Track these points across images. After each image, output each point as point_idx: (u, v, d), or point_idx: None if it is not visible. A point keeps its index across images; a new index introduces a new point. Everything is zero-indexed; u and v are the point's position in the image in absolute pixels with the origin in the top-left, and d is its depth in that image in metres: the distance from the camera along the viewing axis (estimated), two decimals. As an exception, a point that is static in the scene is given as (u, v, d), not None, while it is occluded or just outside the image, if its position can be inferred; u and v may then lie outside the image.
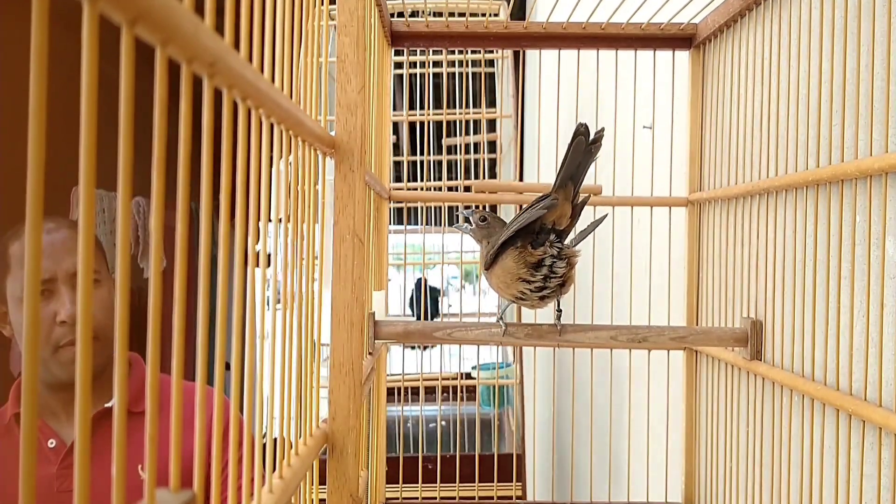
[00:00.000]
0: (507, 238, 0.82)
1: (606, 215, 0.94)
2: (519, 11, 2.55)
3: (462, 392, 2.39)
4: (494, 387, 2.63)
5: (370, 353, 0.89)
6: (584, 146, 0.76)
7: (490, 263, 0.86)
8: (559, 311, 0.90)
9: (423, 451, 1.63)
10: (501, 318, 0.92)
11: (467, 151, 2.60)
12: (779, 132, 0.82)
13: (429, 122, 2.09)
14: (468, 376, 2.93)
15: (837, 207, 0.69)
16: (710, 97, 1.04)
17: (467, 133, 2.23)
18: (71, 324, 1.01)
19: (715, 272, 1.00)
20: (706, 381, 1.02)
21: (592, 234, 0.89)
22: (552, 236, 0.81)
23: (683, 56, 1.10)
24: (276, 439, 0.50)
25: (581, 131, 0.76)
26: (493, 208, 2.00)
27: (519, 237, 0.82)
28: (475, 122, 2.79)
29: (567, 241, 0.84)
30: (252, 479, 0.43)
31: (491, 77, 2.86)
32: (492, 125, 2.75)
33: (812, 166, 0.74)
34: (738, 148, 0.93)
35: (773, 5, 0.84)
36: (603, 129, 0.78)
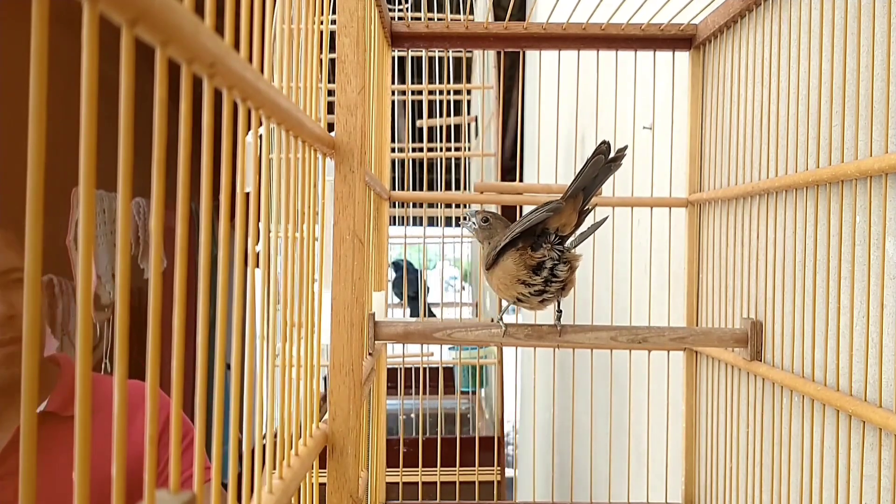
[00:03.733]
0: (509, 240, 0.82)
1: (607, 217, 0.94)
2: (519, 12, 2.55)
3: (442, 375, 2.35)
4: (475, 367, 2.59)
5: (370, 354, 0.89)
6: (602, 163, 0.77)
7: (491, 264, 0.86)
8: (559, 311, 0.90)
9: (403, 434, 1.60)
10: (501, 318, 0.92)
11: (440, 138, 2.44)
12: (779, 132, 0.82)
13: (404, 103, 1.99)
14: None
15: (837, 208, 0.69)
16: (710, 97, 1.04)
17: (439, 115, 2.13)
18: (0, 323, 0.92)
19: (715, 272, 1.00)
20: (706, 382, 1.02)
21: (592, 235, 0.89)
22: (553, 237, 0.82)
23: (683, 56, 1.10)
24: (276, 439, 0.50)
25: (602, 149, 0.77)
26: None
27: (520, 239, 0.82)
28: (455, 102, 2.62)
29: (567, 244, 0.84)
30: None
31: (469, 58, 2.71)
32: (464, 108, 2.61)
33: (812, 167, 0.74)
34: (738, 148, 0.93)
35: (773, 5, 0.84)
36: (626, 147, 0.78)
